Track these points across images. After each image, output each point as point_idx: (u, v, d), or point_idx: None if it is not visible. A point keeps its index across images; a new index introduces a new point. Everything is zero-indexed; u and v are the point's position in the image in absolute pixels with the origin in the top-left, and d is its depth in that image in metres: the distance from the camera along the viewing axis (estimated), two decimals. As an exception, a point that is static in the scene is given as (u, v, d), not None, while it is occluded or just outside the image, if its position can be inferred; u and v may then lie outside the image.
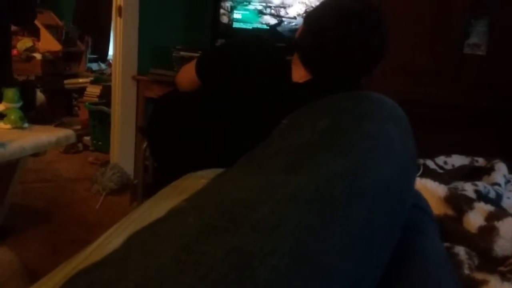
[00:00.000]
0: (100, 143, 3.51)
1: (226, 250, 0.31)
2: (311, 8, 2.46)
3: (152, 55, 2.87)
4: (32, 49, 4.25)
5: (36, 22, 4.08)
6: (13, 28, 3.06)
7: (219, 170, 0.91)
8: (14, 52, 4.04)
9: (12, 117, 1.18)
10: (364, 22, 1.10)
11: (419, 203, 0.68)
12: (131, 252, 0.34)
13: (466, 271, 0.65)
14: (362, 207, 0.40)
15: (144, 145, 2.05)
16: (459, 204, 0.80)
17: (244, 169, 0.45)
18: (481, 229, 0.74)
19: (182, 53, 2.61)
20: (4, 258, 1.51)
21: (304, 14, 2.52)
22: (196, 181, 0.83)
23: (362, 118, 0.50)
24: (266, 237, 0.33)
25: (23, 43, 4.19)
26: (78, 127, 3.81)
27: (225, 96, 1.26)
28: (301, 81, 1.19)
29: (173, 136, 1.37)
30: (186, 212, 0.38)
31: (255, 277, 0.30)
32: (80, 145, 3.60)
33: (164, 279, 0.29)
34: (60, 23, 4.65)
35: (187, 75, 1.35)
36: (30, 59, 4.18)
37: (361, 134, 0.47)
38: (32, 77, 4.19)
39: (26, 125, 1.22)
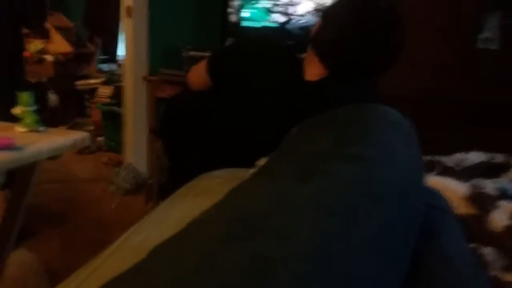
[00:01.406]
0: (113, 143, 3.53)
1: (247, 256, 0.32)
2: (321, 6, 2.45)
3: (162, 55, 2.88)
4: (43, 51, 4.29)
5: (47, 24, 4.12)
6: (24, 30, 3.09)
7: (233, 170, 0.91)
8: (26, 54, 4.09)
9: (28, 120, 1.19)
10: (385, 20, 1.09)
11: (438, 203, 0.67)
12: (157, 262, 0.35)
13: (494, 272, 0.64)
14: (376, 211, 0.41)
15: (158, 145, 2.06)
16: (482, 202, 0.79)
17: (257, 181, 0.47)
18: (507, 228, 0.73)
19: (191, 52, 2.62)
20: (24, 259, 1.53)
21: (313, 12, 2.50)
22: (211, 181, 0.84)
23: (366, 129, 0.53)
24: (285, 242, 0.34)
25: (34, 46, 4.23)
26: (91, 127, 3.84)
27: (237, 96, 1.25)
28: (314, 79, 1.18)
29: (187, 136, 1.37)
30: (205, 222, 0.39)
31: (277, 281, 0.31)
32: (93, 145, 3.62)
33: (188, 287, 0.30)
34: (70, 24, 4.68)
35: (198, 75, 1.35)
36: (41, 61, 4.22)
37: (366, 144, 0.49)
38: (44, 79, 4.23)
39: (41, 128, 1.22)
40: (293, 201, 0.39)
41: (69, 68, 4.46)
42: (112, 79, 4.22)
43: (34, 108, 1.19)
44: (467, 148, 1.35)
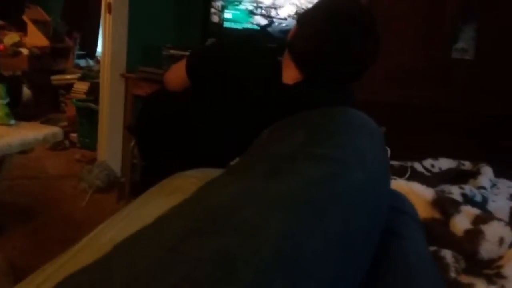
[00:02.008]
0: (87, 140, 3.48)
1: (210, 250, 0.33)
2: (303, 9, 2.47)
3: (141, 53, 2.85)
4: (19, 44, 4.19)
5: (24, 16, 4.03)
6: (0, 22, 3.02)
7: (208, 170, 0.91)
8: (1, 47, 3.99)
9: (-1, 113, 1.16)
10: (359, 25, 1.10)
11: (403, 206, 0.69)
12: (118, 255, 0.35)
13: (453, 274, 0.66)
14: (339, 211, 0.42)
15: (132, 143, 2.04)
16: (446, 207, 0.81)
17: (227, 178, 0.48)
18: (467, 232, 0.76)
19: (171, 51, 2.60)
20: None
21: (295, 15, 2.53)
22: (185, 180, 0.83)
23: (336, 131, 0.54)
24: (248, 238, 0.34)
25: (9, 38, 4.13)
26: (65, 123, 3.77)
27: (215, 96, 1.25)
28: (291, 82, 1.19)
29: (162, 135, 1.36)
30: (171, 218, 0.39)
31: (239, 276, 0.31)
32: (67, 142, 3.56)
33: (150, 279, 0.30)
34: (48, 18, 4.59)
35: (176, 75, 1.35)
36: (16, 54, 4.12)
37: (335, 146, 0.51)
38: (19, 73, 4.13)
39: (12, 121, 1.20)
40: (259, 198, 0.39)
41: (45, 62, 4.36)
42: (89, 75, 4.15)
43: (5, 101, 1.17)
44: (437, 154, 1.39)
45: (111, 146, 2.84)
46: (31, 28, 4.34)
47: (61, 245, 0.56)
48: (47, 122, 3.64)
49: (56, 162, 3.19)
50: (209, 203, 0.40)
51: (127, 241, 0.37)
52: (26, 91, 4.01)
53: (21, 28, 4.32)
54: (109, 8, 2.68)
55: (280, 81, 1.20)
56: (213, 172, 0.68)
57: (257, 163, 0.49)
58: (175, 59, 2.42)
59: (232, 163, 0.90)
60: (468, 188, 1.00)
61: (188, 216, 0.38)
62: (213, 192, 0.44)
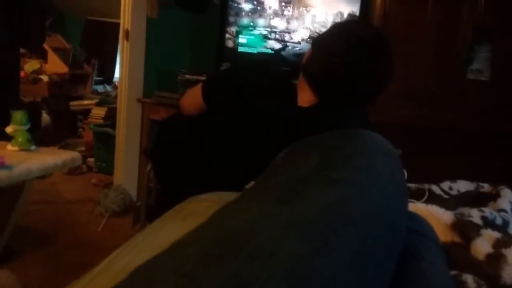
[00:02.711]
0: (104, 164, 3.52)
1: (225, 277, 0.33)
2: (316, 33, 2.50)
3: (158, 78, 2.90)
4: (39, 71, 4.31)
5: (44, 44, 4.15)
6: (21, 50, 3.11)
7: (223, 193, 0.91)
8: (21, 74, 4.10)
9: (20, 139, 1.19)
10: (372, 49, 1.11)
11: (422, 229, 0.68)
12: (135, 283, 0.35)
13: (475, 300, 0.64)
14: (354, 235, 0.41)
15: (149, 167, 2.05)
16: (466, 231, 0.79)
17: (242, 203, 0.48)
18: (489, 256, 0.74)
19: (187, 76, 2.64)
20: (5, 281, 1.50)
21: (308, 39, 2.55)
22: (200, 204, 0.83)
23: (351, 154, 0.54)
24: (262, 264, 0.34)
25: (30, 65, 4.25)
26: (83, 148, 3.82)
27: (230, 121, 1.26)
28: (307, 105, 1.20)
29: (178, 158, 1.37)
30: (187, 243, 0.40)
31: None
32: (84, 166, 3.60)
33: None
34: (68, 45, 4.73)
35: (192, 99, 1.36)
36: (37, 81, 4.23)
37: (350, 168, 0.50)
38: (38, 99, 4.24)
39: (33, 147, 1.23)
40: (273, 223, 0.39)
41: (64, 88, 4.47)
42: (107, 100, 4.23)
43: (26, 127, 1.20)
44: (455, 177, 1.37)
45: (127, 170, 2.86)
46: (51, 55, 4.47)
47: (77, 270, 0.56)
48: (65, 147, 3.71)
49: (73, 187, 3.23)
50: (224, 229, 0.40)
51: (143, 268, 0.37)
52: (45, 117, 4.11)
53: (42, 55, 4.45)
54: (127, 35, 2.74)
55: (295, 104, 1.21)
56: (228, 196, 0.68)
57: (271, 187, 0.49)
58: (191, 83, 2.46)
59: (247, 186, 0.89)
60: (488, 211, 0.98)
61: (203, 242, 0.39)
62: (228, 217, 0.44)
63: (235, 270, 0.33)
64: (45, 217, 2.58)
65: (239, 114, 1.24)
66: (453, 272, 0.69)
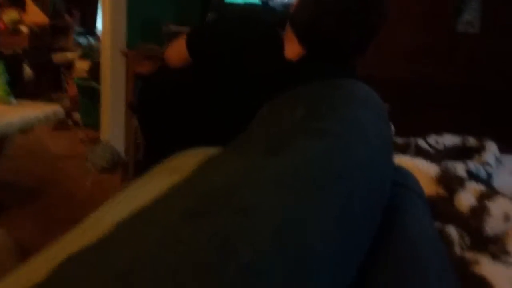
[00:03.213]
0: (89, 119, 3.47)
1: (210, 231, 0.32)
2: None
3: (141, 29, 2.82)
4: (18, 22, 4.15)
5: (22, -7, 3.98)
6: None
7: (210, 148, 0.91)
8: (0, 25, 3.95)
9: (-2, 92, 1.15)
10: None
11: (407, 182, 0.68)
12: (119, 236, 0.35)
13: (458, 250, 0.66)
14: (339, 188, 0.41)
15: (135, 122, 2.03)
16: (450, 183, 0.81)
17: (226, 157, 0.47)
18: (473, 208, 0.75)
19: (172, 27, 2.57)
20: (-5, 236, 1.51)
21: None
22: (188, 159, 0.83)
23: (336, 105, 0.53)
24: (247, 218, 0.34)
25: (9, 15, 4.08)
26: (67, 103, 3.76)
27: (216, 73, 1.24)
28: (294, 57, 1.17)
29: (163, 113, 1.35)
30: (171, 198, 0.39)
31: (238, 257, 0.31)
32: (69, 121, 3.56)
33: (150, 260, 0.30)
34: (46, -5, 4.53)
35: (177, 51, 1.32)
36: (16, 32, 4.08)
37: (335, 120, 0.49)
38: (19, 51, 4.10)
39: (13, 100, 1.19)
40: (257, 177, 0.39)
41: (45, 40, 4.33)
42: (90, 53, 4.11)
43: (5, 79, 1.16)
44: (441, 131, 1.38)
45: (114, 126, 2.83)
46: (29, 4, 4.28)
47: (65, 225, 0.56)
48: (49, 101, 3.64)
49: (59, 142, 3.20)
50: (207, 183, 0.40)
51: (127, 222, 0.37)
52: (27, 70, 3.99)
53: (19, 5, 4.27)
54: (107, -16, 2.63)
55: (281, 56, 1.18)
56: (215, 151, 0.67)
57: (256, 140, 0.48)
58: (175, 35, 2.39)
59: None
60: (472, 164, 0.99)
61: (187, 197, 0.38)
62: (212, 171, 0.43)
63: (219, 225, 0.33)
64: (33, 173, 2.57)
65: (224, 66, 1.21)
66: (437, 224, 0.70)
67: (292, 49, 1.17)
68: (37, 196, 2.24)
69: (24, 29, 4.13)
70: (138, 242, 0.33)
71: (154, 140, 1.46)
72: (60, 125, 3.44)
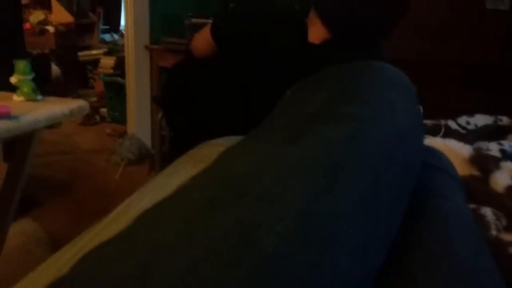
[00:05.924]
0: (116, 114, 3.53)
1: (231, 221, 0.31)
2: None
3: (164, 24, 2.83)
4: (45, 22, 4.24)
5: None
6: (24, 0, 3.05)
7: (235, 138, 0.90)
8: (27, 25, 4.04)
9: (25, 89, 1.17)
10: None
11: (441, 164, 0.66)
12: (138, 228, 0.34)
13: (494, 232, 0.64)
14: (366, 171, 0.40)
15: (160, 115, 2.05)
16: (485, 164, 0.77)
17: (247, 145, 0.46)
18: (509, 188, 0.72)
19: (194, 20, 2.57)
20: (28, 229, 1.55)
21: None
22: (213, 149, 0.82)
23: (361, 86, 0.51)
24: (270, 206, 0.33)
25: (35, 16, 4.18)
26: (95, 99, 3.83)
27: (240, 60, 1.23)
28: (318, 41, 1.15)
29: (188, 104, 1.35)
30: (191, 188, 0.38)
31: (261, 246, 0.30)
32: (97, 117, 3.63)
33: (170, 252, 0.29)
34: (71, -6, 4.61)
35: (203, 40, 1.33)
36: (43, 32, 4.17)
37: (360, 102, 0.48)
38: (46, 51, 4.20)
39: (39, 97, 1.21)
40: (280, 164, 0.38)
41: (71, 39, 4.41)
42: (115, 49, 4.18)
43: (30, 77, 1.17)
44: (472, 111, 1.33)
45: (140, 119, 2.87)
46: (55, 5, 4.37)
47: (96, 217, 0.57)
48: (77, 98, 3.72)
49: (87, 137, 3.27)
50: (229, 172, 0.39)
51: (148, 213, 0.36)
52: (54, 69, 4.09)
53: (45, 5, 4.36)
54: (129, -20, 2.65)
55: (305, 41, 1.16)
56: (239, 139, 0.66)
57: (278, 127, 0.47)
58: (198, 27, 2.39)
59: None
60: (507, 144, 0.95)
61: (207, 186, 0.37)
62: (233, 160, 0.42)
63: (241, 213, 0.32)
64: (63, 167, 2.63)
65: (249, 52, 1.20)
66: (472, 206, 0.68)
67: (316, 33, 1.15)
68: (67, 190, 2.30)
69: (50, 29, 4.22)
70: (157, 234, 0.32)
71: (179, 132, 1.47)
72: (88, 120, 3.52)
